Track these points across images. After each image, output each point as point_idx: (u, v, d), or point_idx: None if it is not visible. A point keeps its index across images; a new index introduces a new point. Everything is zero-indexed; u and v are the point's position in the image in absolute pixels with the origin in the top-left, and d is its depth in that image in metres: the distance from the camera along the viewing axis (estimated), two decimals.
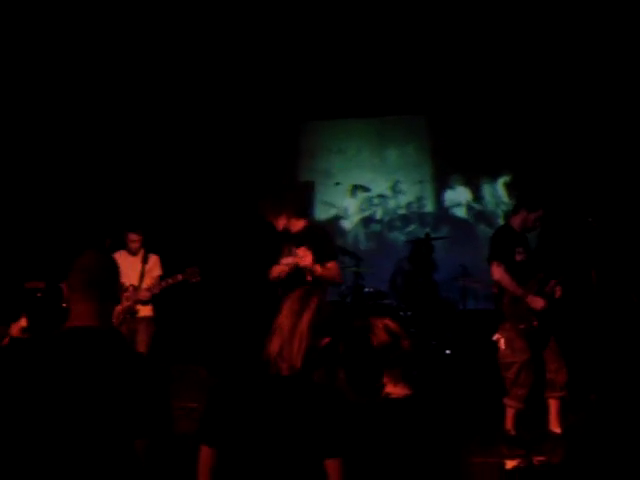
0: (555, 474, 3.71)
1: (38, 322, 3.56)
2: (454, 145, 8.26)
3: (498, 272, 4.42)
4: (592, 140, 7.27)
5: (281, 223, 4.42)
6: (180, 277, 5.24)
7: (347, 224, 8.75)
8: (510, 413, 4.40)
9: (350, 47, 7.48)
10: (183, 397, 4.68)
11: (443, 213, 8.53)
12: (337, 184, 8.59)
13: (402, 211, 8.62)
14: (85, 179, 7.42)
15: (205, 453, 2.03)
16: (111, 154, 7.64)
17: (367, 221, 8.71)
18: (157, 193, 7.84)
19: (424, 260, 7.18)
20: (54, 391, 1.86)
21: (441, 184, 8.52)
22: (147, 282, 5.40)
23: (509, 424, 4.39)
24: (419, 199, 8.56)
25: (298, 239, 4.37)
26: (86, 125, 7.50)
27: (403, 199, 8.61)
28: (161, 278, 5.43)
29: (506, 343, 4.40)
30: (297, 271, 4.25)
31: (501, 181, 8.27)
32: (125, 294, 5.20)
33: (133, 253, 5.53)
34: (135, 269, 5.42)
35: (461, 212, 8.46)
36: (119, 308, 5.08)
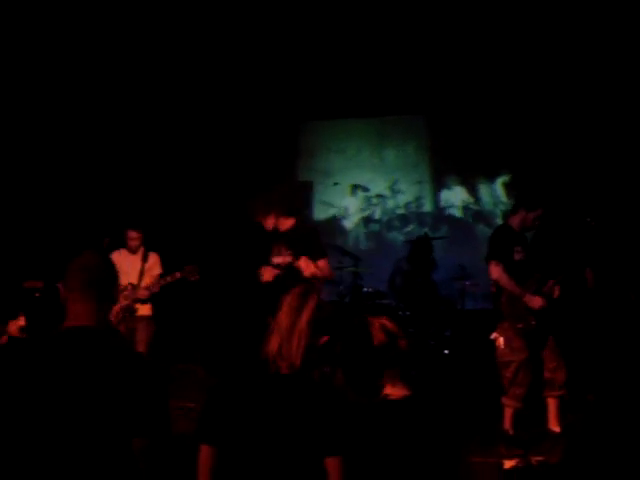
0: (553, 474, 3.71)
1: (36, 322, 3.56)
2: (453, 145, 8.26)
3: (496, 271, 4.43)
4: (591, 140, 7.28)
5: (270, 222, 4.42)
6: (178, 275, 5.23)
7: (347, 224, 8.75)
8: (508, 413, 4.40)
9: (350, 47, 7.48)
10: (182, 397, 4.68)
11: (442, 213, 8.53)
12: (335, 184, 8.59)
13: (401, 211, 8.62)
14: (84, 178, 7.41)
15: (205, 452, 2.03)
16: (111, 153, 7.64)
17: (366, 221, 8.72)
18: (157, 192, 7.84)
19: (423, 260, 7.18)
20: (52, 391, 1.86)
21: (440, 184, 8.52)
22: (146, 281, 5.38)
23: (507, 424, 4.39)
24: (418, 199, 8.56)
25: (287, 238, 4.37)
26: (85, 124, 7.49)
27: (402, 199, 8.61)
28: (161, 276, 5.42)
29: (504, 342, 4.40)
30: (289, 271, 4.25)
31: (500, 181, 8.27)
32: (124, 293, 5.20)
33: (133, 251, 5.52)
34: (135, 267, 5.41)
35: (460, 212, 8.47)
36: (117, 307, 5.08)
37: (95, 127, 7.56)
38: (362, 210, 8.71)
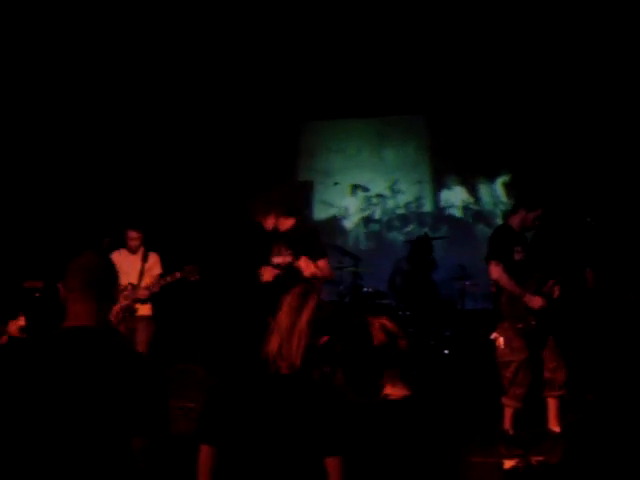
0: (553, 474, 3.71)
1: (36, 322, 3.56)
2: (453, 145, 8.26)
3: (496, 271, 4.43)
4: (591, 140, 7.28)
5: (270, 222, 4.41)
6: (178, 275, 5.23)
7: (348, 224, 8.76)
8: (508, 412, 4.40)
9: (350, 47, 7.48)
10: (182, 397, 4.68)
11: (442, 213, 8.53)
12: (336, 184, 8.59)
13: (401, 211, 8.62)
14: (84, 178, 7.41)
15: (205, 452, 2.03)
16: (111, 153, 7.64)
17: (366, 221, 8.72)
18: (157, 192, 7.84)
19: (424, 260, 7.18)
20: (52, 391, 1.86)
21: (440, 184, 8.52)
22: (146, 281, 5.38)
23: (507, 424, 4.39)
24: (418, 199, 8.56)
25: (287, 238, 4.37)
26: (85, 124, 7.49)
27: (402, 199, 8.61)
28: (161, 276, 5.42)
29: (504, 342, 4.40)
30: (289, 271, 4.24)
31: (500, 181, 8.27)
32: (124, 293, 5.20)
33: (133, 251, 5.52)
34: (135, 267, 5.41)
35: (460, 212, 8.46)
36: (117, 307, 5.08)
37: (95, 127, 7.56)
38: (362, 210, 8.71)
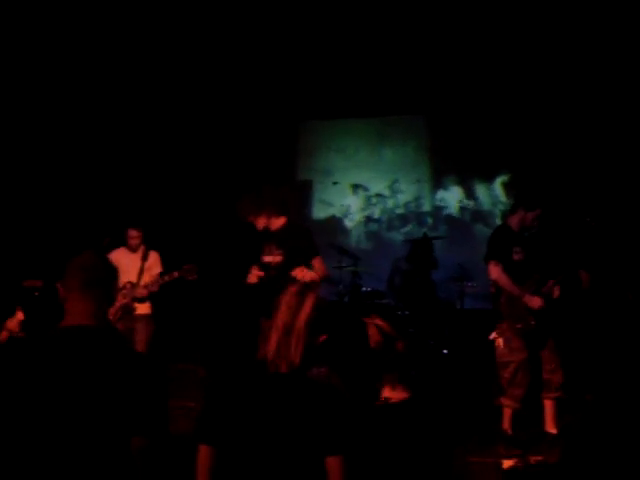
0: (551, 474, 3.72)
1: (35, 321, 3.56)
2: (453, 145, 8.26)
3: (495, 272, 4.42)
4: (591, 140, 7.28)
5: (261, 222, 4.41)
6: (176, 274, 5.22)
7: (349, 223, 8.76)
8: (507, 413, 4.40)
9: (350, 47, 7.48)
10: (182, 396, 4.68)
11: (441, 213, 8.53)
12: (335, 183, 8.59)
13: (400, 210, 8.62)
14: (84, 177, 7.41)
15: (204, 453, 2.02)
16: (111, 152, 7.64)
17: (366, 220, 8.72)
18: (157, 191, 7.84)
19: (424, 259, 7.18)
20: (51, 390, 1.86)
21: (439, 184, 8.52)
22: (145, 279, 5.37)
23: (506, 424, 4.39)
24: (417, 199, 8.57)
25: (278, 237, 4.37)
26: (85, 123, 7.49)
27: (401, 199, 8.62)
28: (160, 275, 5.42)
29: (503, 343, 4.40)
30: (282, 270, 4.23)
31: (499, 181, 8.28)
32: (122, 291, 5.19)
33: (133, 250, 5.52)
34: (134, 266, 5.40)
35: (459, 212, 8.47)
36: (115, 305, 5.07)
37: (95, 127, 7.56)
38: (363, 209, 8.72)
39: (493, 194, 8.31)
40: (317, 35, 7.33)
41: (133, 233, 5.51)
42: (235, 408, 2.02)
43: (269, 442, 1.96)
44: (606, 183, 7.06)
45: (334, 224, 8.72)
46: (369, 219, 8.70)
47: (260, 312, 4.25)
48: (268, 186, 4.58)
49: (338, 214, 8.77)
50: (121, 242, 5.56)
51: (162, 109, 7.94)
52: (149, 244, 5.59)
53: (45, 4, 6.33)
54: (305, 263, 4.28)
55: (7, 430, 1.87)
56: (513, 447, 4.17)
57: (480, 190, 8.38)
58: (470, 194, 8.40)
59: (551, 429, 4.42)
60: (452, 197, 8.47)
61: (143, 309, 5.42)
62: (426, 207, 8.55)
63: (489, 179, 8.32)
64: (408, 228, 8.49)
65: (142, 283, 5.34)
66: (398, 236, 8.46)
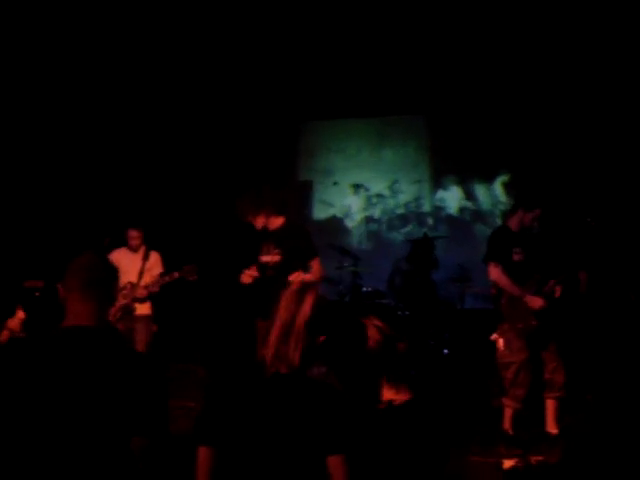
0: (552, 474, 3.72)
1: (36, 321, 3.56)
2: (453, 145, 8.26)
3: (495, 273, 4.42)
4: (591, 140, 7.28)
5: (260, 221, 4.41)
6: (177, 275, 5.22)
7: (350, 223, 8.76)
8: (508, 413, 4.40)
9: (350, 47, 7.48)
10: (182, 396, 4.68)
11: (441, 213, 8.53)
12: (335, 184, 8.59)
13: (400, 210, 8.62)
14: (84, 177, 7.42)
15: (203, 453, 2.01)
16: (111, 153, 7.64)
17: (366, 220, 8.72)
18: (157, 191, 7.84)
19: (424, 259, 7.18)
20: (51, 390, 1.86)
21: (439, 184, 8.52)
22: (146, 280, 5.37)
23: (507, 424, 4.39)
24: (417, 199, 8.57)
25: (276, 237, 4.36)
26: (85, 124, 7.49)
27: (402, 199, 8.62)
28: (161, 276, 5.42)
29: (504, 344, 4.40)
30: (280, 270, 4.22)
31: (499, 181, 8.27)
32: (122, 292, 5.19)
33: (134, 250, 5.52)
34: (135, 266, 5.40)
35: (459, 212, 8.47)
36: (116, 305, 5.07)
37: (95, 127, 7.56)
38: (363, 210, 8.72)
39: (493, 194, 8.31)
40: (317, 36, 7.33)
41: (134, 233, 5.51)
42: (235, 409, 2.01)
43: (269, 442, 1.95)
44: (606, 183, 7.06)
45: (335, 224, 8.72)
46: (369, 219, 8.70)
47: (257, 312, 4.25)
48: (267, 186, 4.58)
49: (339, 214, 8.77)
50: (122, 242, 5.56)
51: (163, 110, 7.94)
52: (150, 244, 5.60)
53: (45, 4, 6.33)
54: (303, 263, 4.28)
55: (8, 430, 1.87)
56: (514, 447, 4.16)
57: (480, 190, 8.37)
58: (470, 194, 8.40)
59: (552, 429, 4.41)
60: (452, 197, 8.47)
61: (143, 309, 5.41)
62: (426, 207, 8.55)
63: (489, 179, 8.32)
64: (408, 228, 8.49)
65: (142, 283, 5.34)
66: (398, 236, 8.46)
